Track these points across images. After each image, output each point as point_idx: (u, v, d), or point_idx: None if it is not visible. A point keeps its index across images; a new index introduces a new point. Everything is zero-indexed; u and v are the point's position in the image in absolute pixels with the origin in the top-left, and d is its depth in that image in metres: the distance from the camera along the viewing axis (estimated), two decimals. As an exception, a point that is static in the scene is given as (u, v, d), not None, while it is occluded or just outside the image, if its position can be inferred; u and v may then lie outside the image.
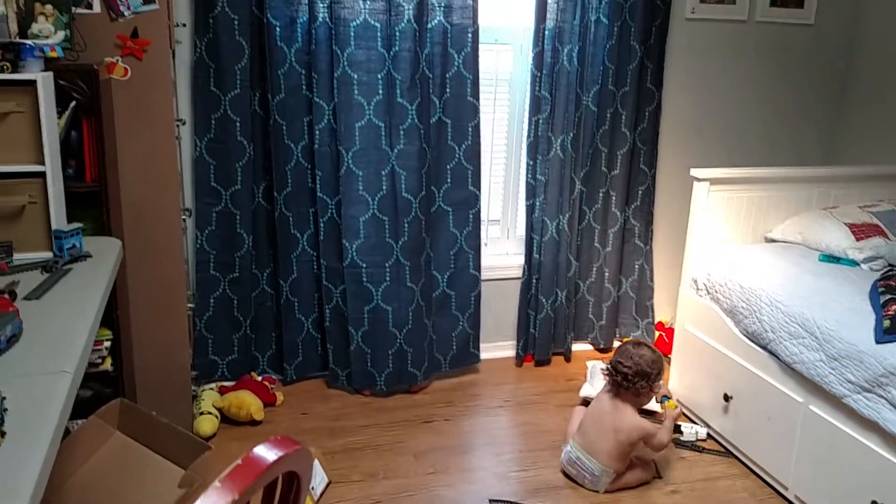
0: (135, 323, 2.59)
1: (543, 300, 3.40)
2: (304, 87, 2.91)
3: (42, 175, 2.05)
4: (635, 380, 2.52)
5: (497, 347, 3.55)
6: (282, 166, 2.96)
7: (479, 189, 3.20)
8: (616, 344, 3.61)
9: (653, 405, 2.82)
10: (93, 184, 2.32)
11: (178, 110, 2.83)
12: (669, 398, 2.69)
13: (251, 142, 2.91)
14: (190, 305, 2.83)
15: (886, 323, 2.24)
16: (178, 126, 2.76)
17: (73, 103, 2.24)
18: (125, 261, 2.50)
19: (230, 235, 2.98)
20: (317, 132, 2.93)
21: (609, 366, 2.59)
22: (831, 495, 2.33)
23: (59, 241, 2.06)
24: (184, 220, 2.80)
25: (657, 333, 3.67)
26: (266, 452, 0.86)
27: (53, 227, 2.07)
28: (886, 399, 2.12)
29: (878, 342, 2.20)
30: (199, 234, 2.96)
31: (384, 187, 3.02)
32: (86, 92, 2.27)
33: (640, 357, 2.53)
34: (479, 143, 3.14)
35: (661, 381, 2.60)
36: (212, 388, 2.99)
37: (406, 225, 3.07)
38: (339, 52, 2.85)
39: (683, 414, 3.09)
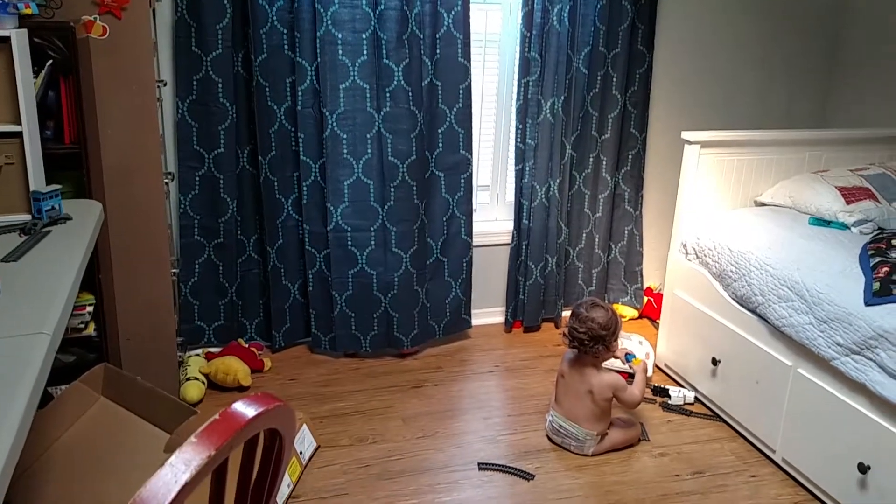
0: (118, 288, 2.56)
1: (533, 266, 3.38)
2: (285, 46, 2.85)
3: (19, 135, 2.00)
4: (591, 344, 2.50)
5: (486, 314, 3.54)
6: (265, 129, 2.90)
7: (470, 153, 3.16)
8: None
9: (620, 366, 2.82)
10: (72, 145, 2.28)
11: (159, 71, 2.77)
12: (634, 356, 2.69)
13: (234, 104, 2.85)
14: (174, 271, 2.79)
15: (876, 286, 2.23)
16: (159, 87, 2.70)
17: (49, 62, 2.18)
18: (106, 224, 2.46)
19: (214, 200, 2.93)
20: (300, 94, 2.87)
21: (566, 331, 2.58)
22: (818, 458, 2.34)
23: (37, 203, 2.01)
24: (166, 184, 2.75)
25: (646, 299, 3.66)
26: (245, 408, 0.84)
27: (31, 188, 2.03)
28: (875, 361, 2.12)
29: (867, 304, 2.19)
30: (183, 199, 2.92)
31: (369, 151, 2.97)
32: (63, 51, 2.21)
33: (592, 321, 2.50)
34: (470, 106, 3.09)
35: (617, 340, 2.58)
36: (198, 354, 2.97)
37: (392, 190, 3.02)
38: (322, 10, 2.78)
39: (670, 378, 3.09)
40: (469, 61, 3.02)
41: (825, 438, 2.30)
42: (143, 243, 2.55)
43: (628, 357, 2.67)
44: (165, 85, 2.78)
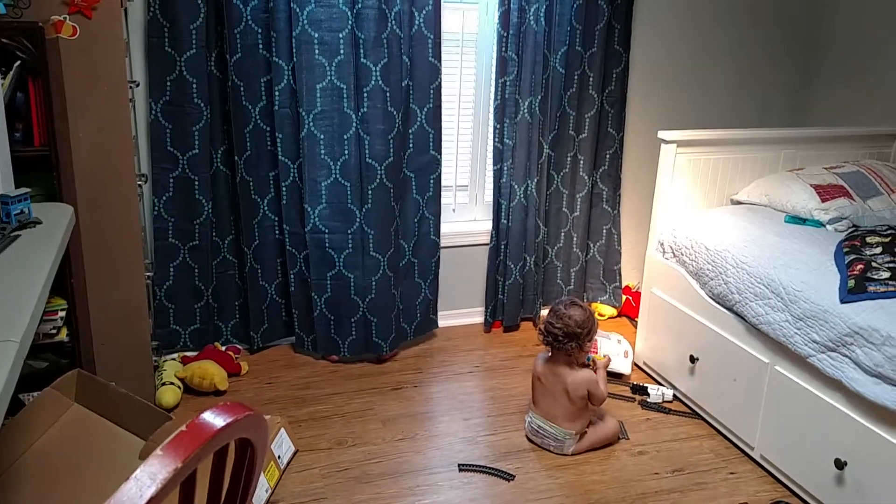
0: (91, 292, 2.52)
1: (512, 266, 3.38)
2: (260, 46, 2.82)
3: (-15, 137, 1.96)
4: (565, 341, 2.50)
5: (466, 314, 3.53)
6: (241, 129, 2.87)
7: (440, 153, 3.14)
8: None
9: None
10: (42, 148, 2.23)
11: (131, 72, 2.73)
12: (593, 357, 2.69)
13: (208, 104, 2.82)
14: (148, 274, 2.75)
15: (851, 283, 2.25)
16: (131, 88, 2.66)
17: (17, 63, 2.14)
18: (78, 227, 2.42)
19: (188, 202, 2.89)
20: (276, 93, 2.85)
21: (542, 327, 2.58)
22: (796, 454, 2.36)
23: (5, 207, 1.97)
24: (140, 186, 2.71)
25: (624, 297, 3.67)
26: (213, 418, 0.82)
27: (0, 192, 1.98)
28: (850, 358, 2.14)
29: (842, 302, 2.21)
30: (157, 201, 2.88)
31: (346, 152, 2.95)
32: (31, 51, 2.17)
33: (569, 318, 2.51)
34: (440, 106, 3.07)
35: (592, 340, 2.58)
36: (174, 359, 2.93)
37: (370, 192, 3.01)
38: (297, 10, 2.75)
39: (649, 376, 3.10)
40: (440, 61, 3.01)
41: (803, 435, 2.32)
42: (116, 246, 2.51)
43: (588, 358, 2.67)
44: (138, 86, 2.74)
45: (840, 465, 2.16)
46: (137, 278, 2.59)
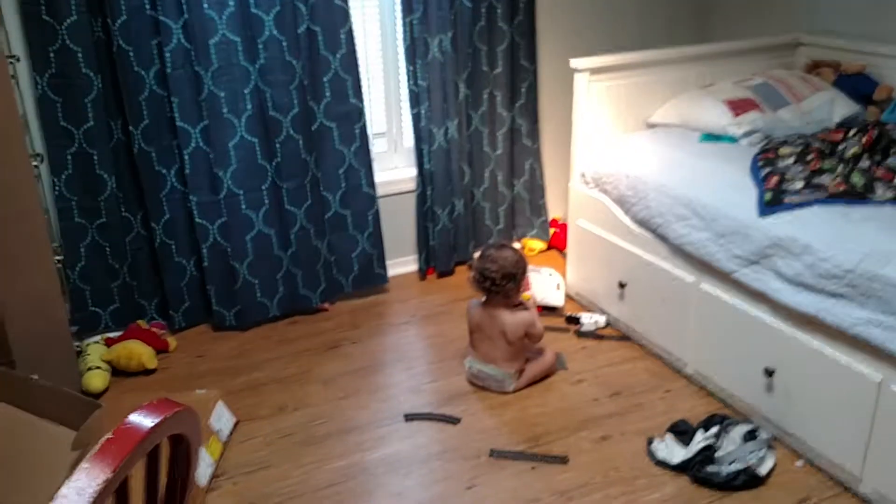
0: (-2, 284, 2.36)
1: (439, 211, 3.34)
2: (146, 6, 2.63)
3: None
4: (503, 282, 2.52)
5: (399, 264, 3.49)
6: (134, 97, 2.70)
7: (361, 101, 3.05)
8: (516, 245, 3.62)
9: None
10: (-84, 135, 2.05)
11: (9, 45, 2.52)
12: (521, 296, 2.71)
13: (98, 73, 2.63)
14: (58, 258, 2.60)
15: (768, 196, 2.30)
16: (12, 63, 2.46)
17: None
18: (-28, 217, 2.26)
19: (90, 178, 2.73)
20: (167, 55, 2.68)
21: (475, 273, 2.57)
22: (727, 367, 2.45)
23: None
24: (36, 166, 2.54)
25: (552, 230, 3.70)
26: (142, 420, 0.76)
27: None
28: (772, 270, 2.21)
29: (761, 215, 2.27)
30: (56, 180, 2.70)
31: (249, 107, 2.82)
32: None
33: (503, 259, 2.52)
34: (354, 52, 2.97)
35: (526, 279, 2.61)
36: (97, 342, 2.81)
37: (278, 145, 2.90)
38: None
39: (581, 306, 3.15)
40: (347, 3, 2.89)
41: (732, 348, 2.40)
42: (18, 232, 2.35)
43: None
44: (19, 60, 2.54)
45: (769, 373, 2.25)
46: (46, 263, 2.44)
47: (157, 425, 0.75)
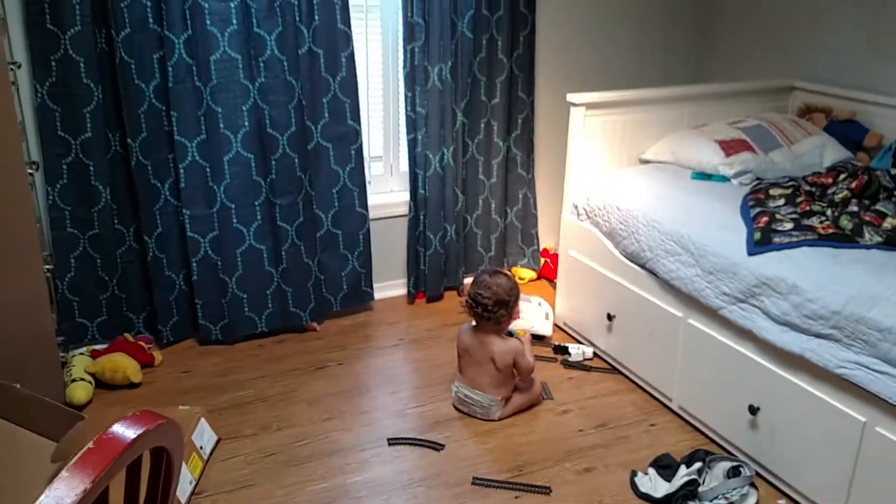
0: (-15, 290, 2.35)
1: (432, 236, 3.36)
2: (150, 19, 2.66)
3: None
4: (495, 309, 2.52)
5: (388, 287, 3.50)
6: (133, 109, 2.71)
7: (359, 124, 3.08)
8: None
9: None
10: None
11: (11, 52, 2.54)
12: (514, 332, 2.72)
13: (99, 84, 2.65)
14: (48, 267, 2.59)
15: (757, 235, 2.33)
16: (13, 70, 2.48)
17: None
18: (-36, 223, 2.26)
19: (85, 189, 2.73)
20: (169, 69, 2.70)
21: (468, 298, 2.58)
22: (712, 403, 2.45)
23: None
24: (31, 174, 2.54)
25: (543, 260, 3.71)
26: (124, 431, 0.76)
27: None
28: (759, 308, 2.22)
29: (749, 254, 2.28)
30: (51, 189, 2.71)
31: (246, 124, 2.85)
32: None
33: (497, 286, 2.53)
34: (354, 75, 3.00)
35: (518, 307, 2.62)
36: (83, 353, 2.79)
37: (273, 162, 2.92)
38: (188, -22, 2.62)
39: (570, 336, 3.16)
40: (349, 27, 2.92)
41: (717, 384, 2.41)
42: (9, 239, 2.35)
43: (510, 333, 2.68)
44: (20, 67, 2.55)
45: (753, 410, 2.25)
46: (35, 272, 2.44)
47: (138, 437, 0.75)
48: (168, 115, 2.77)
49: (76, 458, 0.70)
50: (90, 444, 0.73)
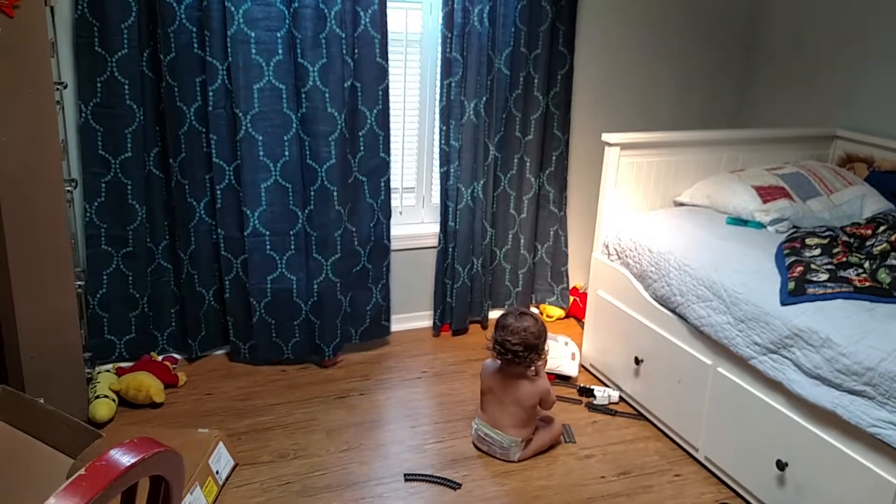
0: (18, 303, 2.39)
1: (460, 269, 3.34)
2: (195, 45, 2.72)
3: None
4: (526, 354, 2.49)
5: (414, 318, 3.49)
6: (175, 131, 2.77)
7: (389, 156, 3.10)
8: (533, 310, 3.60)
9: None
10: (-41, 153, 2.12)
11: (59, 72, 2.61)
12: None
13: (141, 106, 2.72)
14: (79, 283, 2.64)
15: (791, 285, 2.27)
16: (59, 90, 2.55)
17: (-69, 64, 2.02)
18: (2, 235, 2.30)
19: (121, 207, 2.79)
20: (210, 94, 2.75)
21: (496, 344, 2.53)
22: (739, 456, 2.38)
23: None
24: (69, 191, 2.59)
25: (572, 299, 3.67)
26: (119, 457, 0.76)
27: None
28: (791, 360, 2.16)
29: (783, 304, 2.22)
30: (88, 207, 2.76)
31: (286, 153, 2.88)
32: (-53, 51, 2.05)
33: (525, 331, 2.48)
34: (388, 108, 3.03)
35: (547, 346, 2.57)
36: (108, 371, 2.82)
37: (312, 194, 2.94)
38: (233, 8, 2.67)
39: (596, 378, 3.10)
40: (387, 62, 2.96)
41: (745, 436, 2.34)
42: (44, 255, 2.40)
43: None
44: (66, 87, 2.63)
45: (781, 466, 2.18)
46: (67, 287, 2.48)
47: (132, 465, 0.74)
48: (207, 137, 2.82)
49: (67, 483, 0.70)
50: (82, 471, 0.72)
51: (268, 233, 2.94)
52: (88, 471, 0.71)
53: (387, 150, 3.08)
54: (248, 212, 2.90)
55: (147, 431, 2.50)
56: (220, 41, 2.71)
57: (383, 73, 2.96)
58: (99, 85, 2.66)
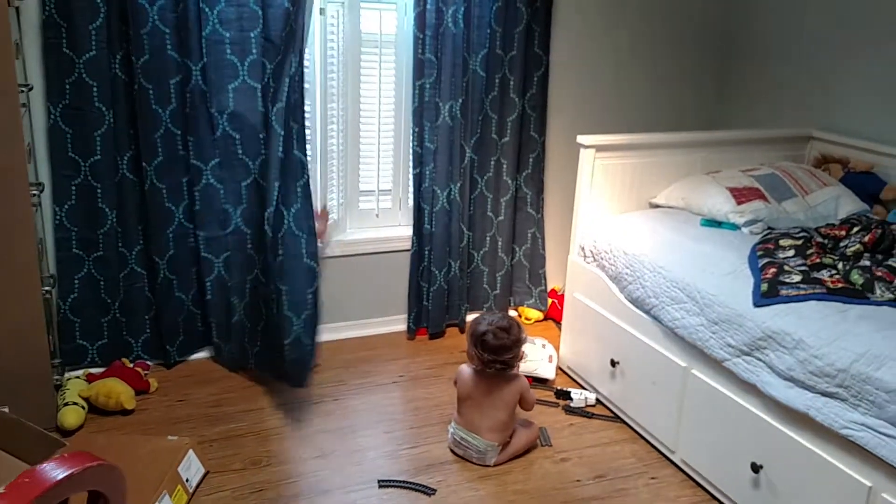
0: (-19, 309, 2.35)
1: (436, 272, 3.32)
2: (169, 47, 2.69)
3: None
4: (512, 363, 2.51)
5: (388, 322, 3.45)
6: (150, 134, 2.73)
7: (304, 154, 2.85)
8: (512, 313, 3.59)
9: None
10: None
11: (25, 74, 2.57)
12: None
13: (111, 108, 2.67)
14: (47, 288, 2.59)
15: (764, 287, 2.26)
16: (24, 92, 2.50)
17: None
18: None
19: (91, 211, 2.74)
20: (187, 95, 2.73)
21: (480, 360, 2.49)
22: (714, 458, 2.37)
23: None
24: (35, 195, 2.55)
25: (550, 300, 3.66)
26: (51, 471, 0.73)
27: None
28: (764, 362, 2.15)
29: (756, 306, 2.22)
30: (58, 210, 2.72)
31: (263, 151, 2.84)
32: None
33: (506, 350, 2.47)
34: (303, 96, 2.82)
35: (523, 349, 2.57)
36: (78, 377, 2.77)
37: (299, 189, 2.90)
38: (207, 9, 2.64)
39: (573, 380, 3.09)
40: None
41: (720, 439, 2.33)
42: (9, 259, 2.36)
43: None
44: (32, 89, 2.58)
45: (756, 468, 2.17)
46: (33, 293, 2.44)
47: (61, 480, 0.72)
48: (184, 139, 2.80)
49: (-8, 499, 0.67)
50: (6, 485, 0.69)
51: (249, 231, 2.91)
52: (9, 487, 0.68)
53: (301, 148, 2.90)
54: (231, 209, 2.89)
55: (116, 439, 2.46)
56: (196, 43, 2.69)
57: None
58: (67, 87, 2.62)
